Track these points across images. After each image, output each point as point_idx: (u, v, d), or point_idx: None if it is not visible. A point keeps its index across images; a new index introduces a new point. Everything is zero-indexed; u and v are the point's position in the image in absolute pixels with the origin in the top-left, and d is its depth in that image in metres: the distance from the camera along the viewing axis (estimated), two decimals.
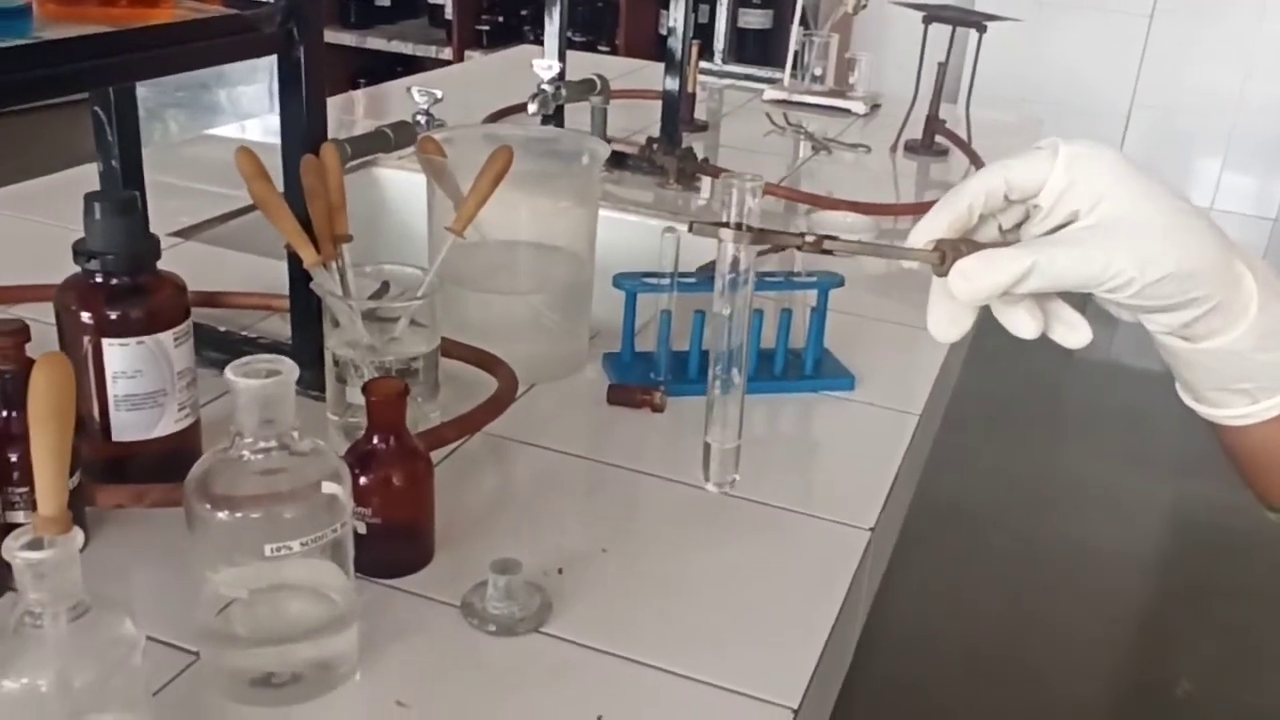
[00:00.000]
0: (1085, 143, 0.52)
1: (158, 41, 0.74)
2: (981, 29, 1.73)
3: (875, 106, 2.03)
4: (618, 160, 1.54)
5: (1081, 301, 0.55)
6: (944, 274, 0.52)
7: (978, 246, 0.52)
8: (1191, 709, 2.05)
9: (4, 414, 0.65)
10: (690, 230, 0.54)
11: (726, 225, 0.54)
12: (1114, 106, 3.69)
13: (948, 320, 0.54)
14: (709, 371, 0.59)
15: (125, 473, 0.74)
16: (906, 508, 1.01)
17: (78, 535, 0.47)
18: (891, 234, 1.37)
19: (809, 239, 0.53)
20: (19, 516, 0.66)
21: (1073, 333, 0.54)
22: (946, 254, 0.52)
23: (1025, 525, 2.55)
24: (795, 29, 2.06)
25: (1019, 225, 0.55)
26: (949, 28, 1.78)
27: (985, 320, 0.57)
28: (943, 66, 1.72)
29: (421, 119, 1.18)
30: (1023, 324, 0.53)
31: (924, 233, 0.53)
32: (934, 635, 2.19)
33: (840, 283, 1.00)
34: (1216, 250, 0.52)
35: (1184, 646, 2.23)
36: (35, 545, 0.46)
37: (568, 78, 1.50)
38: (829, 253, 0.54)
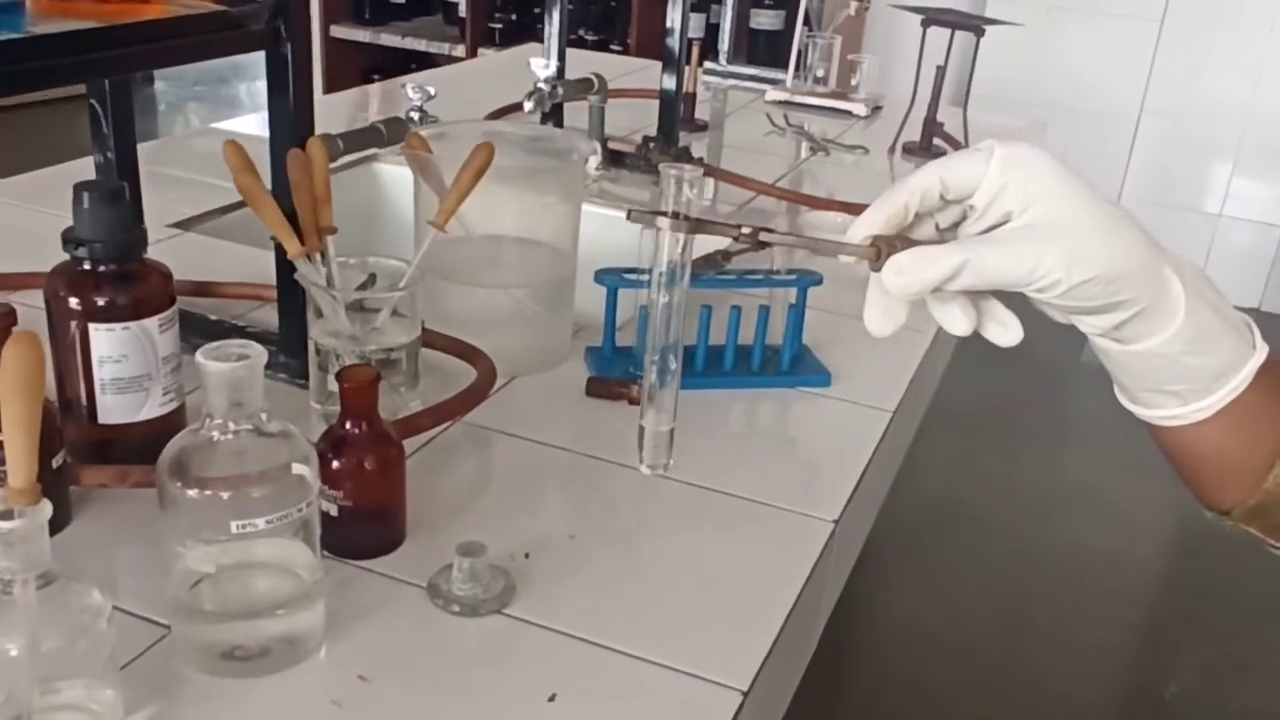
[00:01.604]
0: (1020, 145, 0.53)
1: (148, 37, 0.77)
2: (980, 33, 1.75)
3: (877, 109, 2.05)
4: (615, 159, 1.57)
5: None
6: (879, 269, 0.54)
7: (913, 244, 0.54)
8: (1181, 711, 2.06)
9: None
10: (628, 218, 0.56)
11: (664, 214, 0.56)
12: (1124, 112, 3.69)
13: (881, 314, 0.56)
14: (646, 358, 0.61)
15: (111, 454, 0.77)
16: (880, 503, 1.03)
17: (46, 506, 0.50)
18: None
19: (745, 231, 0.55)
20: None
21: (1005, 331, 0.56)
22: (882, 250, 0.54)
23: (1023, 527, 2.56)
24: (799, 30, 2.07)
25: (956, 225, 0.56)
26: (948, 31, 1.79)
27: None
28: (941, 69, 1.74)
29: (415, 115, 1.20)
30: (955, 321, 0.55)
31: (861, 229, 0.55)
32: (931, 634, 2.21)
33: (819, 281, 1.01)
34: (1145, 255, 0.53)
35: (1177, 650, 2.24)
36: (5, 516, 0.49)
37: (571, 76, 1.53)
38: (765, 245, 0.55)
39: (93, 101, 0.90)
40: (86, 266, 0.74)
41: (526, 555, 0.74)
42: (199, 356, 0.58)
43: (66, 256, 0.75)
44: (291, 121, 0.85)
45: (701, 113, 1.90)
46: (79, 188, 0.74)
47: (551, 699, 0.62)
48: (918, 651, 2.16)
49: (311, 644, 0.64)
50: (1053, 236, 0.52)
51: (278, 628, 0.63)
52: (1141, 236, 0.54)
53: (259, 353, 0.59)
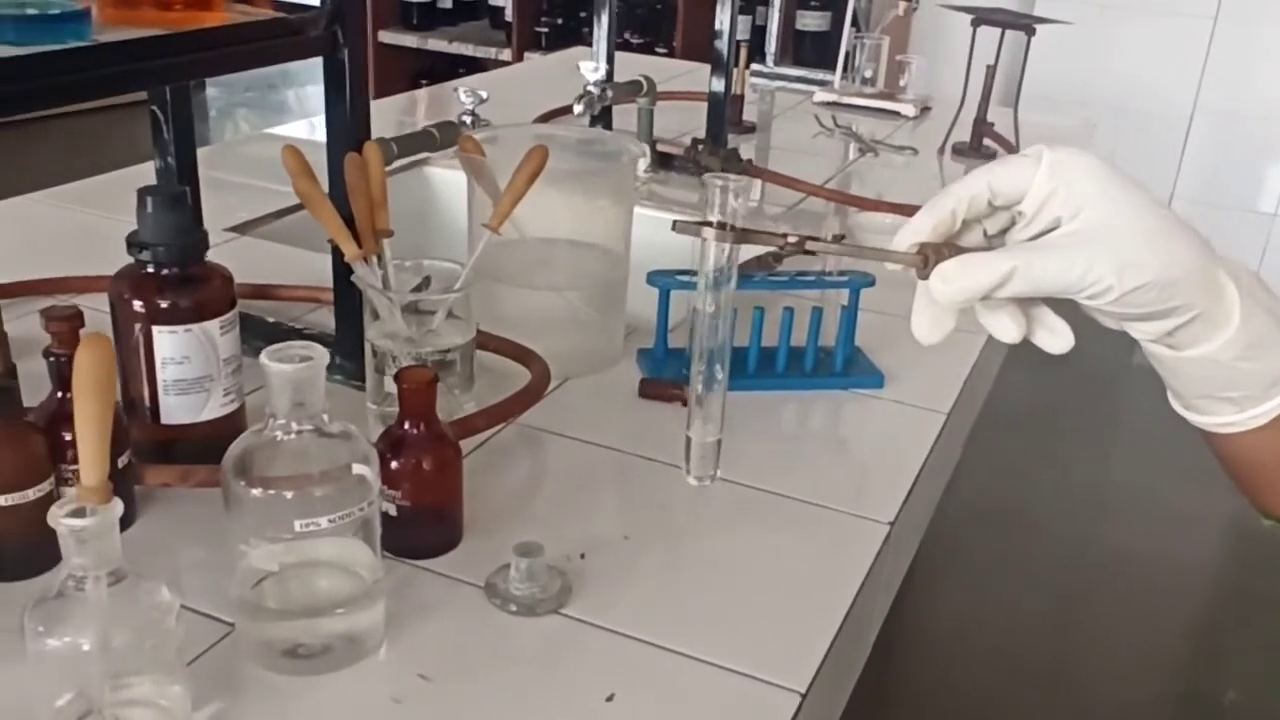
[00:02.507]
0: (1069, 150, 0.53)
1: (209, 44, 0.78)
2: (1030, 32, 1.73)
3: (926, 109, 2.03)
4: (663, 161, 1.57)
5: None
6: (926, 277, 0.53)
7: (960, 251, 0.53)
8: (1238, 718, 2.03)
9: (59, 395, 0.69)
10: (674, 229, 0.56)
11: (709, 224, 0.56)
12: (1176, 111, 3.63)
13: (930, 322, 0.55)
14: (693, 367, 0.60)
15: (173, 455, 0.78)
16: (934, 506, 1.02)
17: (117, 505, 0.51)
18: None
19: (791, 239, 0.55)
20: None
21: (1055, 338, 0.55)
22: (929, 257, 0.53)
23: (1074, 531, 2.53)
24: (847, 31, 2.07)
25: (1004, 231, 0.55)
26: (999, 31, 1.78)
27: None
28: (991, 69, 1.72)
29: (467, 119, 1.21)
30: (1004, 328, 0.54)
31: (908, 236, 0.54)
32: (979, 639, 2.19)
33: (871, 282, 1.01)
34: (1198, 260, 0.52)
35: (1232, 657, 2.20)
36: (78, 514, 0.50)
37: (618, 79, 1.53)
38: (811, 253, 0.55)
39: (154, 108, 0.91)
40: (150, 270, 0.76)
41: (582, 556, 0.74)
42: (263, 358, 0.59)
43: (129, 260, 0.76)
44: (348, 126, 0.86)
45: (749, 114, 1.90)
46: (142, 193, 0.75)
47: (609, 699, 0.63)
48: (966, 657, 2.14)
49: (372, 642, 0.65)
50: (1103, 242, 0.51)
51: (339, 626, 0.64)
52: (1194, 240, 0.52)
53: (321, 354, 0.60)
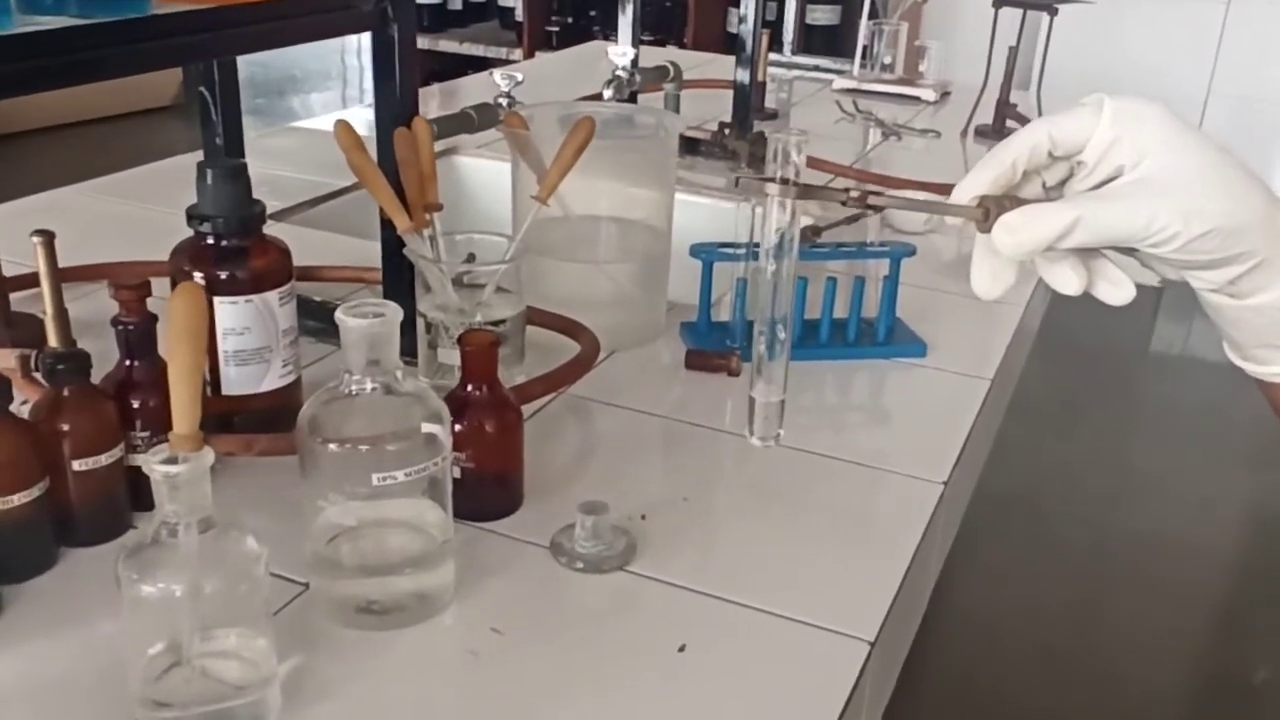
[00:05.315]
0: (1131, 98, 0.52)
1: (263, 17, 0.79)
2: (1053, 12, 1.74)
3: (945, 94, 2.04)
4: (690, 146, 1.57)
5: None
6: (987, 230, 0.53)
7: (1021, 202, 0.53)
8: (1272, 696, 2.03)
9: (128, 363, 0.70)
10: (736, 185, 0.56)
11: (772, 180, 0.56)
12: (1190, 95, 3.63)
13: (990, 276, 0.55)
14: (755, 329, 0.61)
15: (232, 426, 0.79)
16: (978, 473, 1.03)
17: (208, 453, 0.52)
18: None
19: (853, 194, 0.55)
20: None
21: (1116, 290, 0.54)
22: (990, 210, 0.52)
23: (1097, 517, 2.53)
24: (865, 19, 2.07)
25: (1063, 182, 0.55)
26: (1020, 12, 1.78)
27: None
28: (1013, 50, 1.73)
29: (503, 101, 1.22)
30: (1066, 280, 0.54)
31: (968, 189, 0.54)
32: (1003, 625, 2.19)
33: (912, 252, 1.02)
34: (1263, 206, 0.52)
35: (1260, 636, 2.20)
36: (171, 461, 0.50)
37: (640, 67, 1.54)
38: (874, 208, 0.55)
39: (202, 89, 0.92)
40: (210, 241, 0.76)
41: (643, 517, 0.75)
42: (339, 313, 0.60)
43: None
44: (397, 102, 0.87)
45: (769, 102, 1.90)
46: (202, 165, 0.76)
47: (681, 649, 0.63)
48: (990, 641, 2.14)
49: (442, 600, 0.66)
50: (1169, 189, 0.51)
51: (410, 584, 0.65)
52: (1259, 187, 0.52)
53: (395, 310, 0.61)
